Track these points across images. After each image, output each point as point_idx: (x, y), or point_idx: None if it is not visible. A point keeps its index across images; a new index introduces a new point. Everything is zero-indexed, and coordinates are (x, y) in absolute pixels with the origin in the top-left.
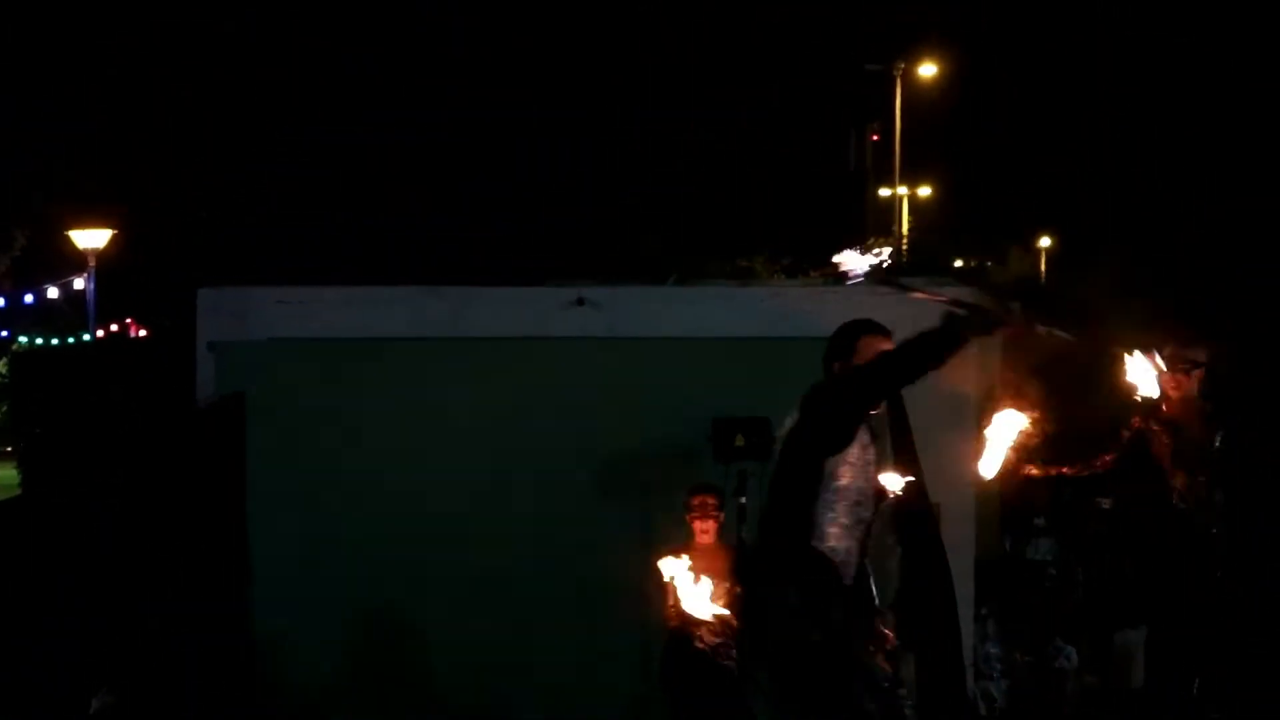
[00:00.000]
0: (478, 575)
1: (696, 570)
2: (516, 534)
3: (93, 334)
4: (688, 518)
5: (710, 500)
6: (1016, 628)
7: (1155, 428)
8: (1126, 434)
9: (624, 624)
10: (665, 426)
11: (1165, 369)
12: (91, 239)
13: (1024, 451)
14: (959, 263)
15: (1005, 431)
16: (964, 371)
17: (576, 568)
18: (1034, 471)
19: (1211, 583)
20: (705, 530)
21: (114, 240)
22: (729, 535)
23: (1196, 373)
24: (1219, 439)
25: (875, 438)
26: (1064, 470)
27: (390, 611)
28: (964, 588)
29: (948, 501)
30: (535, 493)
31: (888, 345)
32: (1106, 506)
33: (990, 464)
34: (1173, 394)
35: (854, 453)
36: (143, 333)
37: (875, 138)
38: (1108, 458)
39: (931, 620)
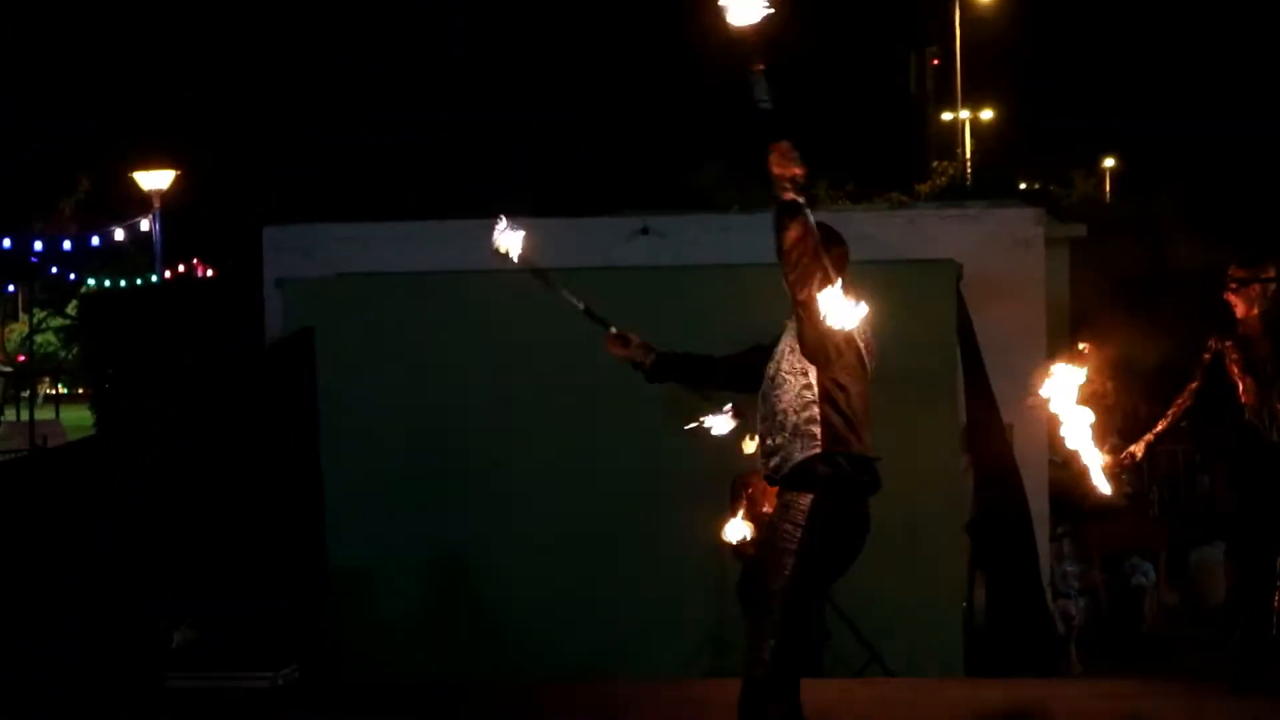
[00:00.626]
0: (547, 510)
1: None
2: (586, 467)
3: (160, 275)
4: None
5: None
6: (1093, 546)
7: (1228, 344)
8: (1206, 355)
9: (698, 559)
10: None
11: (1234, 286)
12: (155, 180)
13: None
14: (1023, 186)
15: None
16: (1035, 292)
17: (649, 500)
18: (1136, 452)
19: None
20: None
21: (177, 181)
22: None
23: (1263, 288)
24: None
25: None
26: (1158, 431)
27: (459, 547)
28: (1039, 507)
29: (1020, 422)
30: (603, 424)
31: (838, 250)
32: (1183, 425)
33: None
34: (1240, 312)
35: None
36: (210, 273)
37: (936, 62)
38: (1192, 386)
39: (1007, 540)
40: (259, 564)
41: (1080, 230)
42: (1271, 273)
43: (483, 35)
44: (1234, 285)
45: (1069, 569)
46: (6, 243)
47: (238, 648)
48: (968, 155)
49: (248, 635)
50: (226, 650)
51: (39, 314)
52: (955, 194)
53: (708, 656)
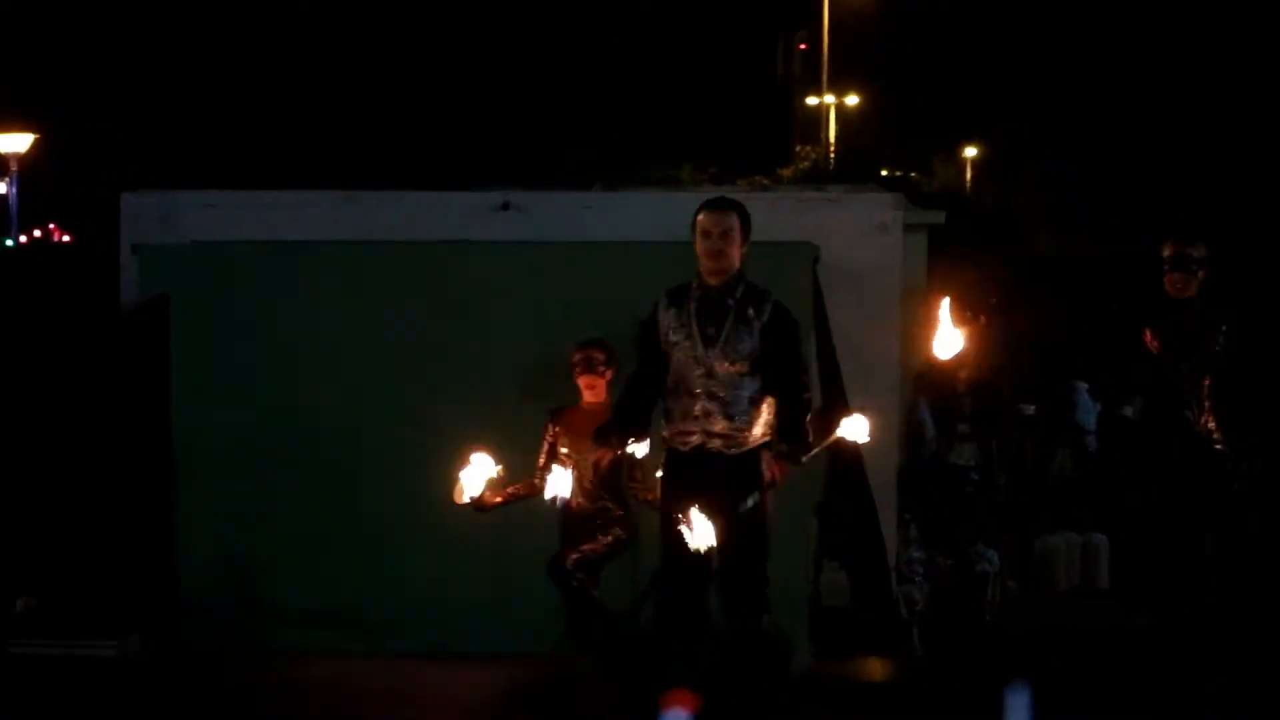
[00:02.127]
0: (400, 484)
1: (581, 432)
2: (437, 445)
3: (15, 239)
4: (574, 375)
5: (597, 355)
6: (938, 533)
7: (1154, 325)
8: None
9: (546, 540)
10: (593, 331)
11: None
12: (13, 143)
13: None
14: (885, 172)
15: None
16: (891, 278)
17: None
18: None
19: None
20: (590, 386)
21: (36, 145)
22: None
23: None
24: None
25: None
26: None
27: (306, 521)
28: (887, 494)
29: (870, 407)
30: (457, 400)
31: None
32: (1030, 413)
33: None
34: (1175, 291)
35: None
36: (66, 238)
37: (803, 46)
38: None
39: (852, 526)
40: (105, 534)
41: (939, 217)
42: (1204, 251)
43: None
44: (1169, 265)
45: (914, 555)
46: None
47: (80, 616)
48: (832, 140)
49: (91, 603)
50: (69, 618)
51: None
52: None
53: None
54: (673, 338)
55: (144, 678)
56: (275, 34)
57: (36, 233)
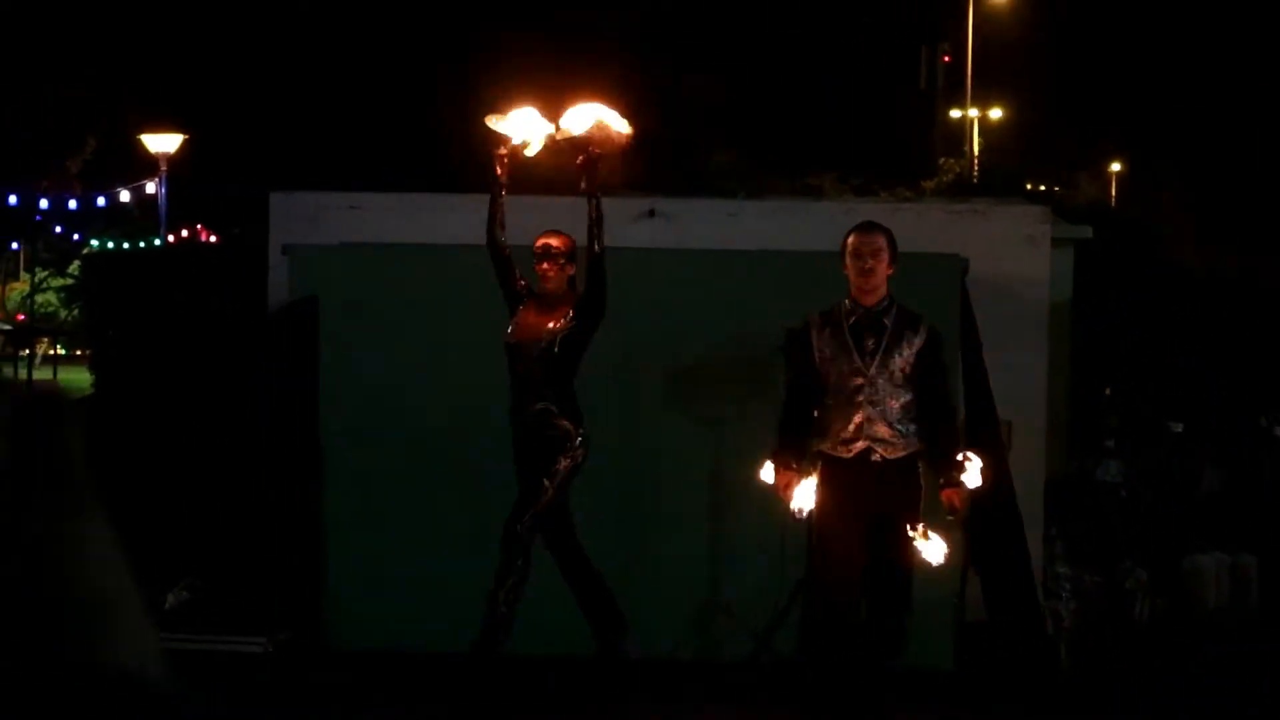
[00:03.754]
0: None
1: (530, 316)
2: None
3: (164, 238)
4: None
5: (554, 244)
6: (1085, 549)
7: None
8: None
9: (692, 534)
10: (736, 339)
11: None
12: (163, 143)
13: None
14: (1029, 186)
15: None
16: (1039, 291)
17: (647, 481)
18: None
19: None
20: (545, 272)
21: (185, 145)
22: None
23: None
24: None
25: None
26: None
27: (457, 519)
28: (1033, 508)
29: (1017, 421)
30: (605, 405)
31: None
32: (1178, 430)
33: None
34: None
35: None
36: (213, 238)
37: (947, 59)
38: None
39: (999, 538)
40: (255, 531)
41: (1085, 232)
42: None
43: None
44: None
45: (1061, 570)
46: (12, 199)
47: (231, 611)
48: (975, 153)
49: (241, 599)
50: (220, 614)
51: (40, 273)
52: (961, 191)
53: (697, 638)
54: (828, 354)
55: (293, 674)
56: (422, 37)
57: (184, 233)
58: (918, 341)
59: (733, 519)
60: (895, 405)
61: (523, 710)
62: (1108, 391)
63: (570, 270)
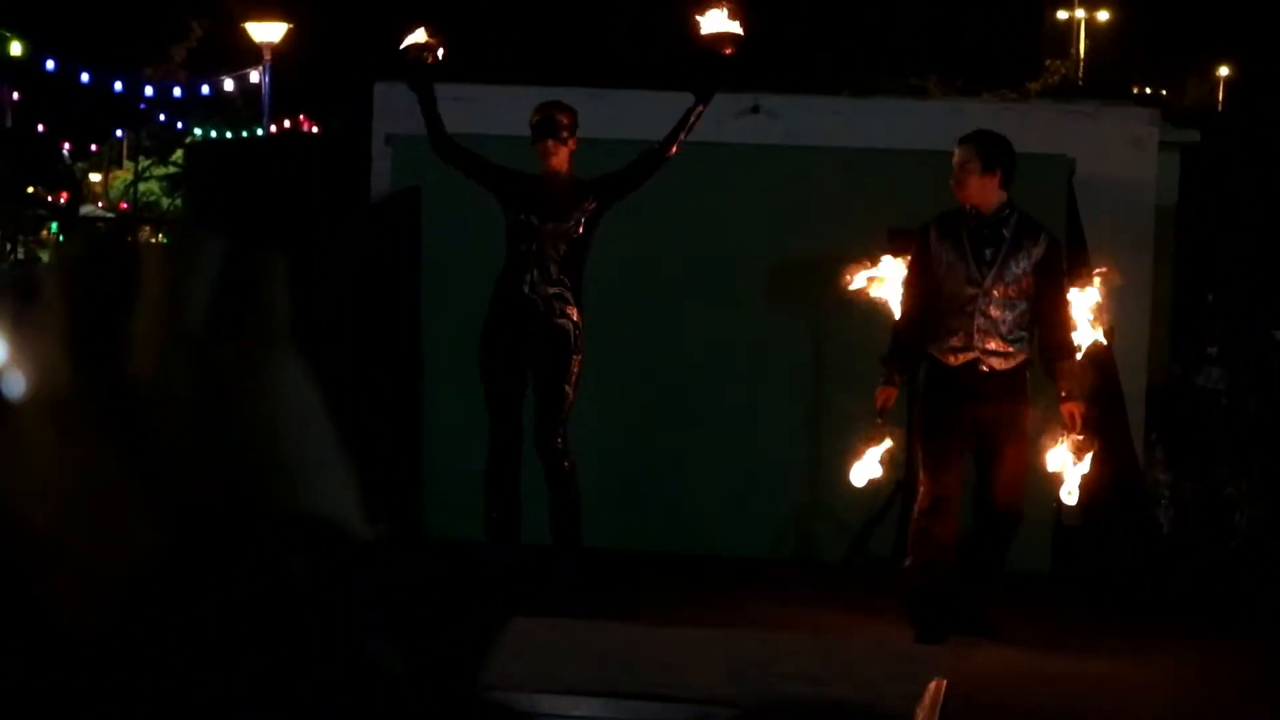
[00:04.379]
0: (645, 383)
1: (540, 192)
2: (686, 344)
3: (267, 128)
4: (533, 141)
5: (562, 117)
6: (1185, 456)
7: None
8: None
9: (790, 436)
10: (840, 237)
11: None
12: (267, 32)
13: None
14: (1135, 90)
15: None
16: (1146, 194)
17: (744, 378)
18: None
19: None
20: (550, 153)
21: (289, 34)
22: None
23: None
24: None
25: None
26: None
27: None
28: (1135, 414)
29: (1121, 325)
30: (707, 301)
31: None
32: None
33: None
34: None
35: None
36: (315, 129)
37: None
38: None
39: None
40: (357, 425)
41: (1193, 135)
42: None
43: None
44: None
45: (1160, 477)
46: (118, 85)
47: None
48: (1081, 55)
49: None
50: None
51: (144, 161)
52: (1068, 93)
53: (795, 538)
54: (946, 260)
55: (394, 563)
56: None
57: (286, 123)
58: (1037, 252)
59: (833, 419)
60: (1009, 316)
61: (621, 600)
62: (1211, 298)
63: (574, 145)
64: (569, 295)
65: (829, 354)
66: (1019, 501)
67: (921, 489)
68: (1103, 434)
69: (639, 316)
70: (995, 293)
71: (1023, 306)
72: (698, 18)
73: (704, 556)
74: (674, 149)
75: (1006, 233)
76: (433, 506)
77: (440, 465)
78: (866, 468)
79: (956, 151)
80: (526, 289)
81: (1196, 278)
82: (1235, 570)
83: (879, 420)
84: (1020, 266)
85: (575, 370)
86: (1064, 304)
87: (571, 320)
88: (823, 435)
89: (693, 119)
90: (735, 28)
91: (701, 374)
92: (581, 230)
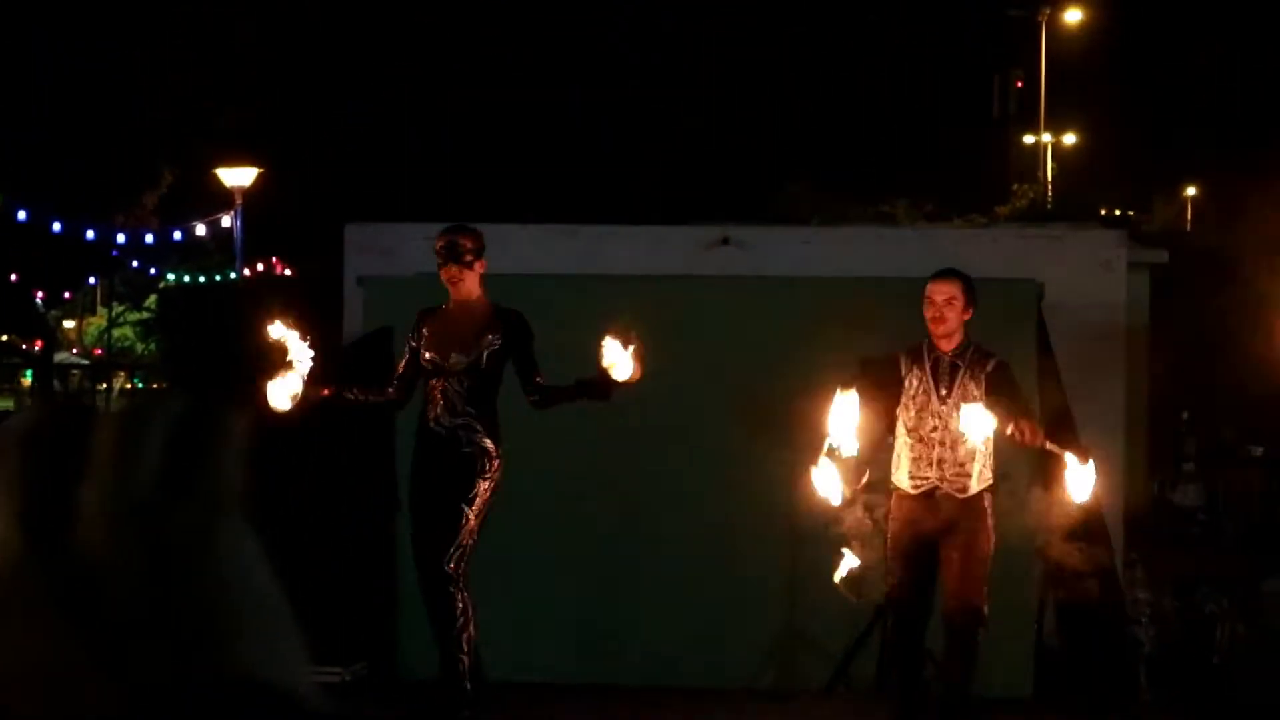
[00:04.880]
0: (616, 517)
1: (447, 336)
2: (654, 478)
3: (239, 272)
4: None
5: (463, 242)
6: (1164, 574)
7: None
8: None
9: (766, 568)
10: (812, 367)
11: None
12: (238, 177)
13: None
14: (1103, 211)
15: None
16: (1116, 315)
17: (719, 511)
18: None
19: None
20: (453, 280)
21: (260, 179)
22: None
23: None
24: None
25: None
26: None
27: (522, 552)
28: (1112, 533)
29: (1095, 446)
30: (676, 435)
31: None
32: (1258, 454)
33: None
34: None
35: None
36: (288, 271)
37: (1020, 84)
38: None
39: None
40: (332, 565)
41: (1162, 256)
42: None
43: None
44: None
45: (1140, 595)
46: (89, 234)
47: (309, 643)
48: (1049, 178)
49: (318, 632)
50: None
51: (117, 308)
52: (1036, 217)
53: (775, 664)
54: (911, 390)
55: (369, 704)
56: (491, 73)
57: (260, 266)
58: (986, 373)
59: (811, 548)
60: (968, 445)
61: None
62: (1185, 416)
63: (481, 268)
64: (478, 425)
65: (801, 483)
66: (978, 600)
67: (892, 603)
68: (1084, 554)
69: (607, 443)
70: (954, 423)
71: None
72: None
73: (677, 689)
74: (535, 395)
75: (961, 364)
76: (408, 646)
77: (416, 604)
78: (827, 476)
79: (939, 286)
80: (432, 423)
81: (1171, 397)
82: (1218, 687)
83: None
84: (974, 394)
85: (479, 495)
86: (1019, 400)
87: (479, 446)
88: (801, 564)
89: (563, 399)
90: (629, 371)
91: (673, 500)
92: (485, 364)
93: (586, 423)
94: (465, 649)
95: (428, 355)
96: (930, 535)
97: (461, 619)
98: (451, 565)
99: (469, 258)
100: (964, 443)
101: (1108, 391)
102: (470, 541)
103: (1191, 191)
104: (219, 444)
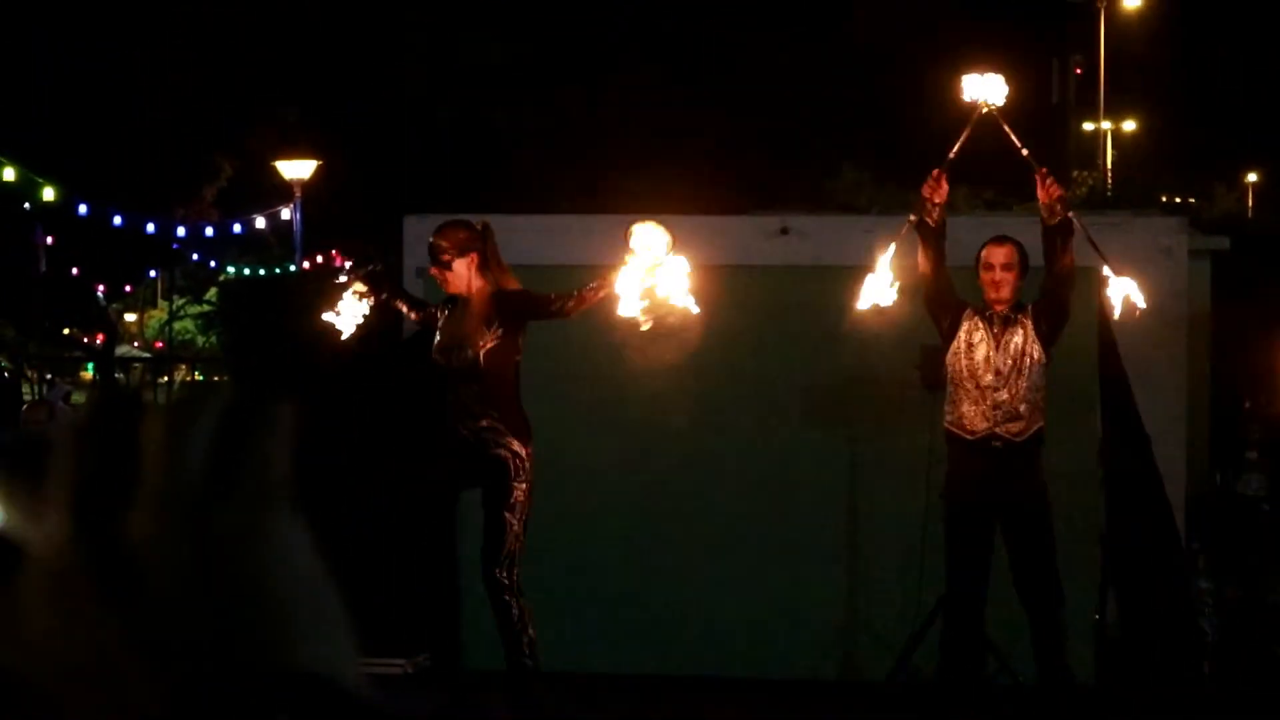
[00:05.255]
0: (678, 504)
1: (450, 326)
2: (718, 465)
3: (299, 264)
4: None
5: (440, 243)
6: (1228, 563)
7: None
8: None
9: (825, 553)
10: (872, 355)
11: None
12: (297, 169)
13: None
14: (1164, 199)
15: None
16: (1177, 302)
17: (779, 498)
18: None
19: None
20: (437, 277)
21: (319, 171)
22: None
23: None
24: None
25: None
26: None
27: (588, 543)
28: (1175, 522)
29: (1158, 434)
30: (738, 424)
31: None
32: None
33: None
34: None
35: None
36: (348, 264)
37: (1079, 71)
38: None
39: (1148, 554)
40: (397, 556)
41: (1222, 243)
42: None
43: (638, 32)
44: None
45: (1203, 585)
46: (150, 227)
47: (371, 635)
48: (1109, 166)
49: (381, 623)
50: (360, 637)
51: (178, 301)
52: (1096, 204)
53: (837, 659)
54: (967, 337)
55: (432, 695)
56: (547, 64)
57: (319, 258)
58: (1029, 307)
59: (871, 538)
60: (1023, 387)
61: None
62: (1248, 404)
63: (472, 260)
64: (501, 427)
65: (865, 475)
66: (1053, 581)
67: (951, 591)
68: (1149, 543)
69: (673, 435)
70: (1006, 370)
71: (1037, 374)
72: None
73: (736, 680)
74: (570, 311)
75: (1014, 315)
76: (472, 637)
77: (478, 594)
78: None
79: (991, 251)
80: (460, 430)
81: (1234, 384)
82: None
83: (912, 219)
84: (1026, 332)
85: (518, 499)
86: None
87: (509, 450)
88: (861, 556)
89: (593, 297)
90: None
91: (740, 497)
92: (484, 363)
93: (645, 415)
94: (527, 651)
95: (436, 357)
96: (988, 510)
97: (519, 624)
98: (502, 572)
99: (446, 257)
100: (1022, 384)
101: (1170, 379)
102: (517, 546)
103: (1253, 178)
104: (267, 435)
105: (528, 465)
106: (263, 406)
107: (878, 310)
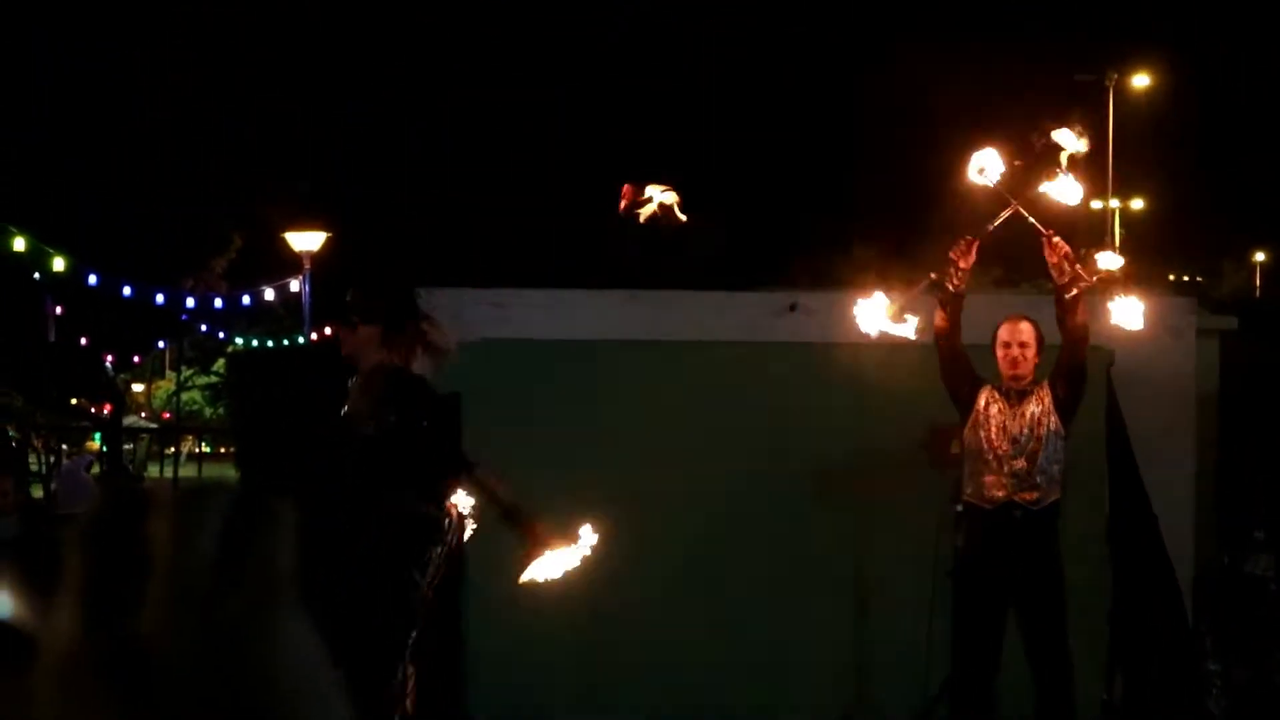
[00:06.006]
0: (683, 579)
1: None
2: (722, 540)
3: (307, 336)
4: None
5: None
6: (1236, 644)
7: None
8: None
9: (831, 630)
10: (880, 433)
11: None
12: (306, 241)
13: None
14: (1172, 277)
15: None
16: (1185, 382)
17: (786, 575)
18: None
19: None
20: (344, 340)
21: (328, 243)
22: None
23: None
24: None
25: None
26: None
27: (593, 607)
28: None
29: (1165, 513)
30: (742, 500)
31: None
32: None
33: None
34: None
35: None
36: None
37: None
38: None
39: (1157, 633)
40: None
41: (1231, 322)
42: None
43: (638, 108)
44: None
45: (1211, 667)
46: (159, 298)
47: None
48: (1117, 244)
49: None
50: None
51: (186, 372)
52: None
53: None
54: (990, 412)
55: None
56: (553, 137)
57: (328, 330)
58: (1045, 380)
59: (877, 615)
60: (1039, 456)
61: None
62: (1257, 483)
63: (371, 335)
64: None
65: (873, 552)
66: (1064, 656)
67: (959, 666)
68: (1157, 623)
69: (691, 508)
70: (1024, 440)
71: (1056, 443)
72: None
73: None
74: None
75: (1031, 388)
76: (475, 689)
77: (482, 648)
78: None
79: (1009, 329)
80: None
81: (1242, 463)
82: None
83: (934, 276)
84: (1043, 403)
85: (428, 560)
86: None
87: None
88: (867, 632)
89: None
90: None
91: (746, 573)
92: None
93: (657, 479)
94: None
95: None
96: (1002, 588)
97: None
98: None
99: (352, 317)
100: (1040, 454)
101: (1177, 459)
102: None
103: (1260, 257)
104: (269, 532)
105: (437, 526)
106: (266, 503)
107: (888, 384)
